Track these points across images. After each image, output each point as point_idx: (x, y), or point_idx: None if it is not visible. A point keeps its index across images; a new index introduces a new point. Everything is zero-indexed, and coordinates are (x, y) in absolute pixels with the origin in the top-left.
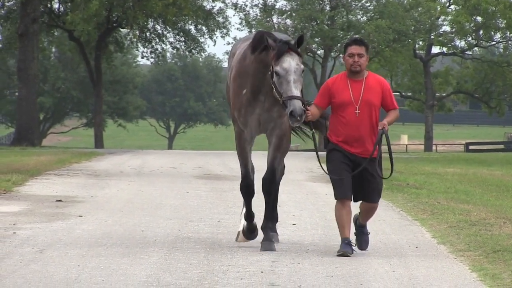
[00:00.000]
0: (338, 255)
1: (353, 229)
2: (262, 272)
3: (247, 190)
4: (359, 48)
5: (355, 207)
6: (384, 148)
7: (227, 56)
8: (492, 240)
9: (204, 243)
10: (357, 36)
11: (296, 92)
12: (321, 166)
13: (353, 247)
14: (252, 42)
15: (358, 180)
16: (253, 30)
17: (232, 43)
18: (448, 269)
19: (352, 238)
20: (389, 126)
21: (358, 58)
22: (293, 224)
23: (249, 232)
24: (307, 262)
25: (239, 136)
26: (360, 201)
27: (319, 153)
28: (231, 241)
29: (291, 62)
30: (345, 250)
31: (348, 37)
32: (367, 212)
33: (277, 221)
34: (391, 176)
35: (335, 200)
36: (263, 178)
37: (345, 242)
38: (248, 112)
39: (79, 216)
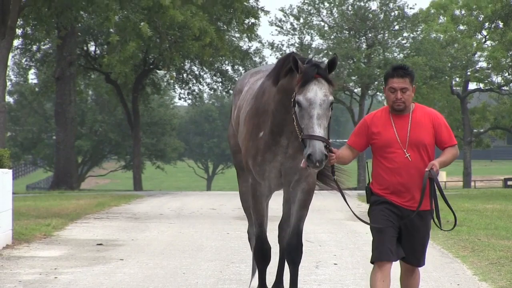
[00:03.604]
0: None
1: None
2: None
3: (263, 256)
4: (402, 82)
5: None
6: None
7: None
8: None
9: (245, 285)
10: (399, 64)
11: (319, 130)
12: (356, 215)
13: None
14: (275, 68)
15: (401, 236)
16: None
17: None
18: None
19: None
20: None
21: (401, 94)
22: (335, 264)
23: None
24: None
25: (253, 188)
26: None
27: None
28: (271, 282)
29: (317, 92)
30: None
31: None
32: (407, 281)
33: None
34: (455, 228)
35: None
36: (287, 244)
37: None
38: (267, 159)
39: (120, 259)
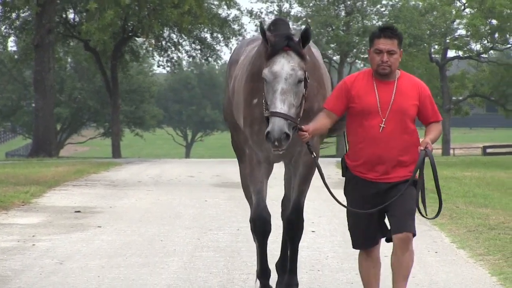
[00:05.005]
0: None
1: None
2: None
3: (262, 226)
4: (389, 43)
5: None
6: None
7: None
8: None
9: (223, 252)
10: (387, 24)
11: (281, 107)
12: (335, 198)
13: None
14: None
15: (383, 210)
16: None
17: None
18: (468, 273)
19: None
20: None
21: (387, 56)
22: (312, 231)
23: None
24: (327, 269)
25: (250, 157)
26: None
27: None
28: (250, 249)
29: (284, 65)
30: None
31: (364, 42)
32: (399, 258)
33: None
34: (439, 215)
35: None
36: (287, 220)
37: None
38: (264, 130)
39: (98, 226)
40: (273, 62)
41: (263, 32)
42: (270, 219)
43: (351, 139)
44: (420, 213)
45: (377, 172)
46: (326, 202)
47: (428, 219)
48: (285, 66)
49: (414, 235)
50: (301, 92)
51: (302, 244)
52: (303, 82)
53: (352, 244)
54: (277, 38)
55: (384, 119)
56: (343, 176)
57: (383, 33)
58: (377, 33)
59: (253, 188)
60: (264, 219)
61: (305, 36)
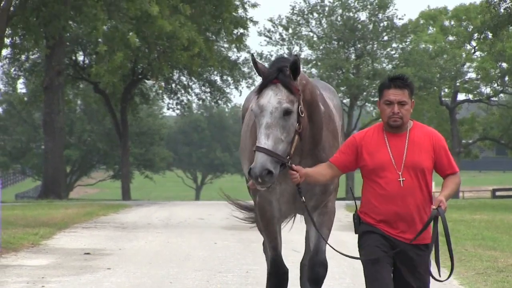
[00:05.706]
0: None
1: None
2: None
3: (279, 281)
4: (400, 93)
5: None
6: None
7: None
8: None
9: None
10: (397, 74)
11: (265, 141)
12: (349, 256)
13: None
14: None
15: (395, 277)
16: None
17: None
18: None
19: None
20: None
21: (398, 107)
22: None
23: None
24: None
25: (262, 208)
26: None
27: None
28: None
29: (271, 98)
30: None
31: (374, 85)
32: None
33: None
34: (450, 278)
35: None
36: (309, 261)
37: None
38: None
39: (108, 268)
40: (261, 95)
41: (254, 63)
42: (287, 275)
43: (366, 197)
44: (432, 276)
45: (397, 229)
46: (333, 244)
47: (438, 281)
48: (271, 99)
49: None
50: (292, 126)
51: None
52: (294, 116)
53: None
54: (268, 70)
55: (400, 173)
56: (356, 233)
57: (393, 83)
58: (386, 84)
59: (269, 242)
60: (284, 274)
61: (294, 68)
